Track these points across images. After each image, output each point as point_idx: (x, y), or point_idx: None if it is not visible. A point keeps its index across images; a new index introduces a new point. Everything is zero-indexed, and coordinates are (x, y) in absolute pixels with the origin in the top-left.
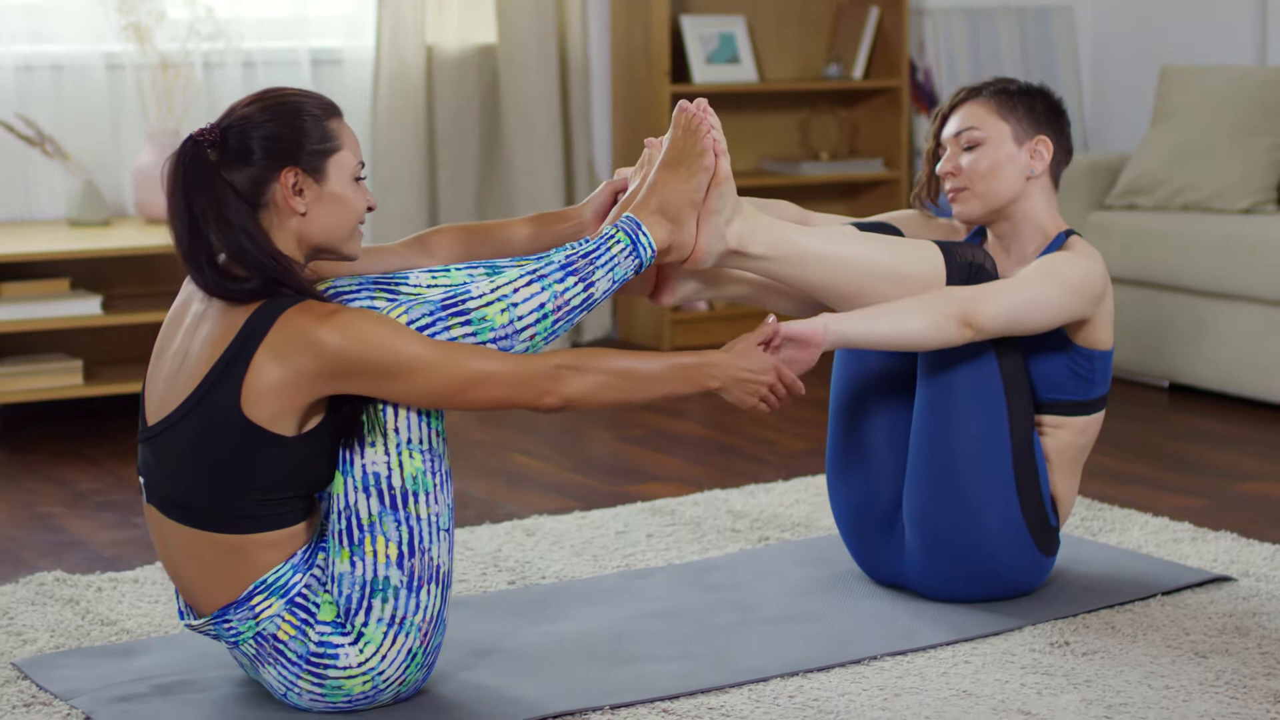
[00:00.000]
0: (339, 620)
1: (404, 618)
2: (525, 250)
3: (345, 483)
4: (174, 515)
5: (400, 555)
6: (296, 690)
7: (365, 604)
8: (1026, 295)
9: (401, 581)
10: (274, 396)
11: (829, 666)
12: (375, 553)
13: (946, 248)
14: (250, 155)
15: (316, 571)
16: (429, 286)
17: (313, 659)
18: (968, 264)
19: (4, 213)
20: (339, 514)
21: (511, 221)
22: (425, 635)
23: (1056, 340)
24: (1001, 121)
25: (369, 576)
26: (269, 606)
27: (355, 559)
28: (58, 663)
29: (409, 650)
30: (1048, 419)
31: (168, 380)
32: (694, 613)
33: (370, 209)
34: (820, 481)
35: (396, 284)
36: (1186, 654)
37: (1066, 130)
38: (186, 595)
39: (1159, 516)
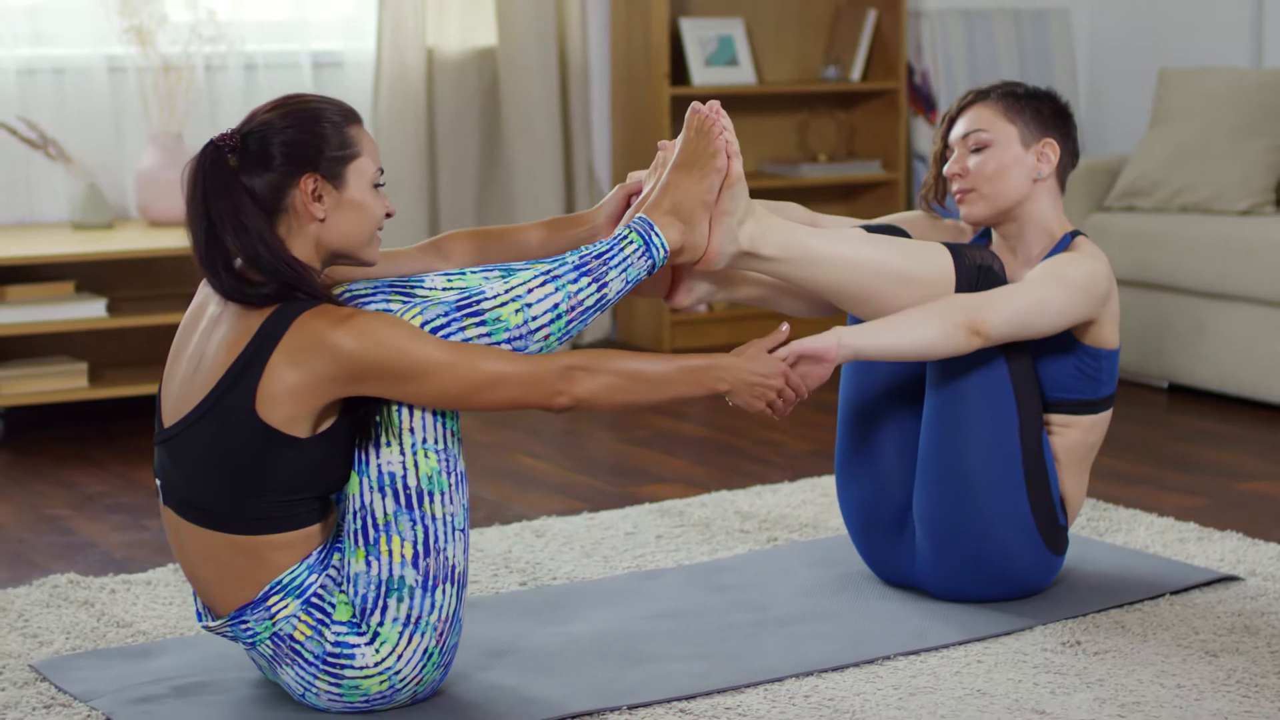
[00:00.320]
0: (355, 620)
1: (419, 617)
2: (538, 254)
3: (361, 483)
4: (190, 517)
5: (415, 555)
6: (314, 690)
7: (381, 604)
8: (1033, 300)
9: (417, 581)
10: (289, 400)
11: (843, 666)
12: (391, 552)
13: (955, 250)
14: (270, 161)
15: (332, 572)
16: (444, 289)
17: (329, 659)
18: (976, 266)
19: (7, 215)
20: (354, 514)
21: (525, 226)
22: (441, 635)
23: (1064, 341)
24: (1009, 124)
25: (384, 576)
26: (285, 607)
27: (371, 559)
28: (75, 664)
29: (425, 650)
30: (1056, 418)
31: (183, 383)
32: (706, 613)
33: (389, 215)
34: (827, 483)
35: (412, 287)
36: (1197, 653)
37: (1073, 133)
38: (203, 596)
39: (1164, 516)
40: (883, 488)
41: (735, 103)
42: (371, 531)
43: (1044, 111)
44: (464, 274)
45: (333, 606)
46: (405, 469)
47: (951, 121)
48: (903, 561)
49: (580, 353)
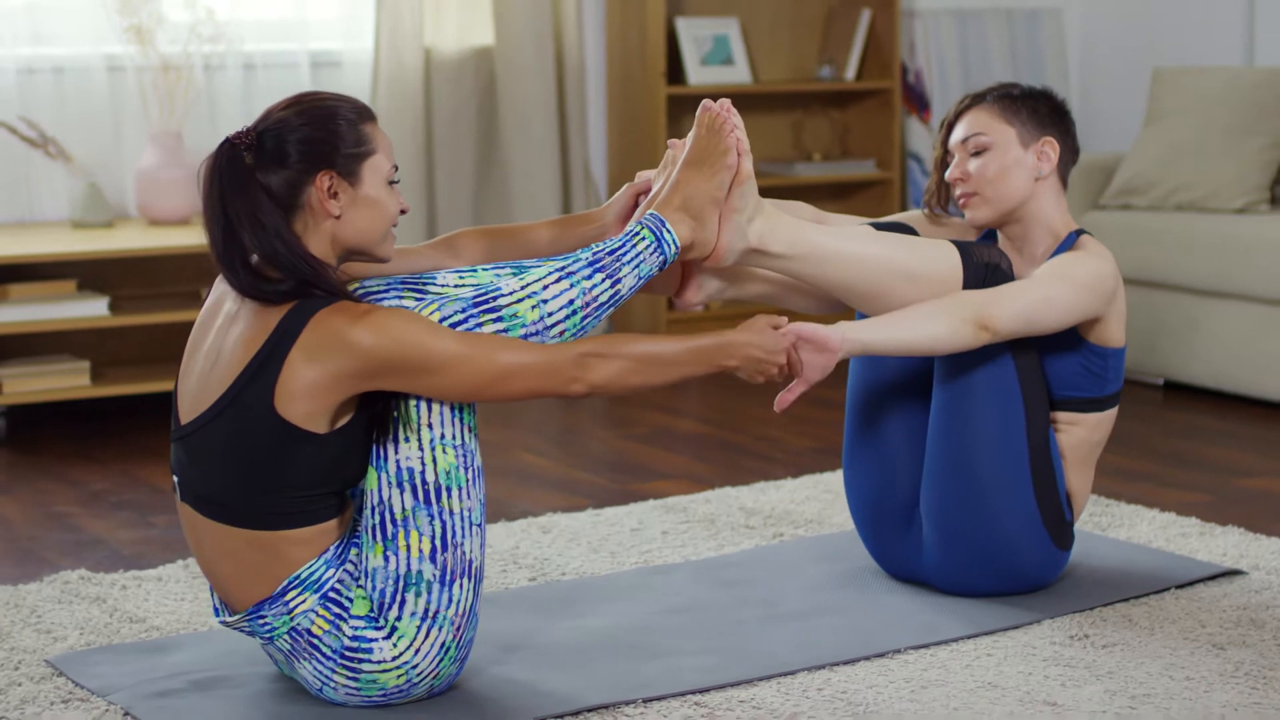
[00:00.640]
0: (372, 615)
1: (437, 611)
2: (548, 252)
3: (379, 478)
4: (208, 513)
5: (433, 550)
6: (332, 685)
7: (399, 598)
8: (1039, 296)
9: (434, 576)
10: (308, 396)
11: (854, 660)
12: (409, 547)
13: (963, 247)
14: (286, 159)
15: (349, 567)
16: (456, 286)
17: (347, 653)
18: (984, 263)
19: (7, 214)
20: (372, 509)
21: (535, 224)
22: (458, 629)
23: (1070, 339)
24: (1007, 126)
25: (402, 571)
26: (303, 602)
27: (389, 554)
28: (91, 659)
29: (442, 644)
30: (1062, 416)
31: (200, 379)
32: (716, 608)
33: (403, 211)
34: (829, 479)
35: (425, 284)
36: (1204, 646)
37: (1072, 130)
38: (221, 592)
39: (1166, 512)
40: (890, 483)
41: (730, 102)
42: (389, 527)
43: (1041, 110)
44: (475, 271)
45: (350, 601)
46: (424, 464)
47: (950, 126)
48: (910, 556)
49: (593, 339)
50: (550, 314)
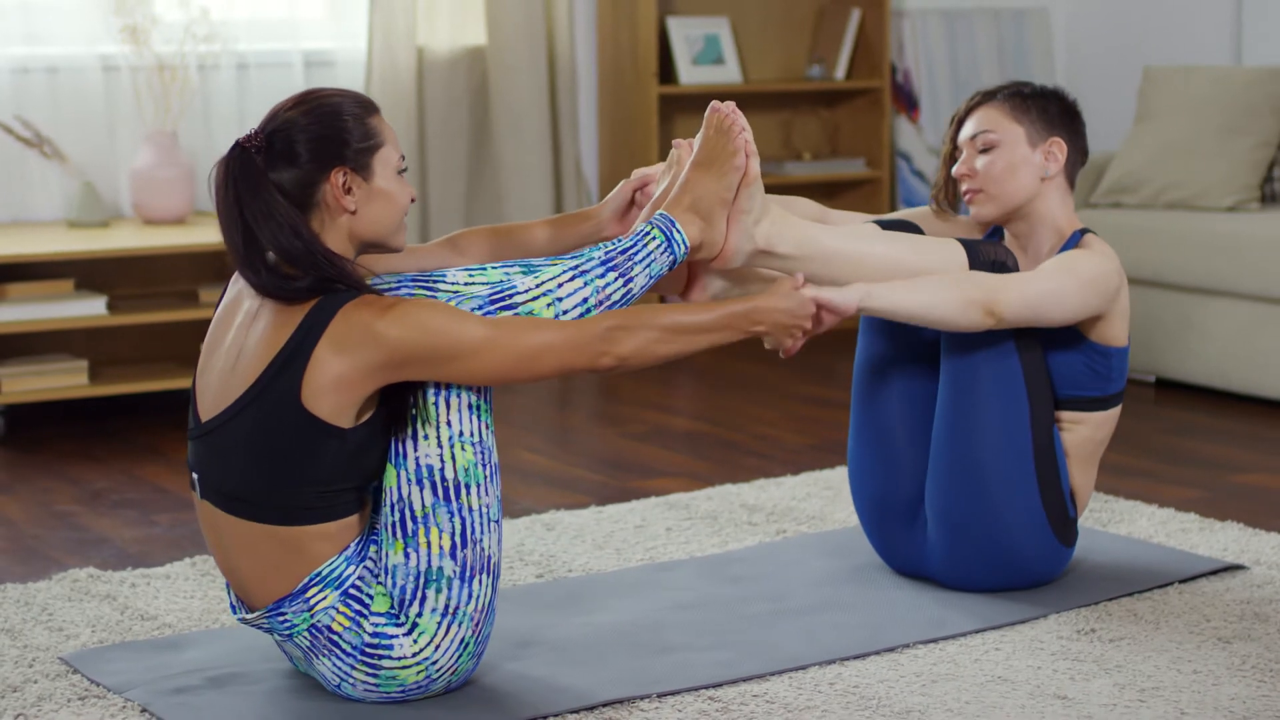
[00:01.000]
0: (393, 611)
1: (457, 607)
2: (545, 251)
3: (398, 476)
4: (229, 509)
5: (453, 546)
6: (350, 681)
7: (420, 595)
8: (1046, 288)
9: (455, 572)
10: (334, 390)
11: (865, 654)
12: (429, 544)
13: (970, 246)
14: (297, 159)
15: (369, 564)
16: (466, 284)
17: (367, 649)
18: (990, 261)
19: (2, 214)
20: (391, 507)
21: (532, 224)
22: (477, 625)
23: (1074, 338)
24: (1016, 124)
25: (423, 567)
26: (324, 599)
27: (409, 550)
28: (105, 657)
29: (462, 640)
30: (1066, 414)
31: (222, 376)
32: (724, 604)
33: (412, 200)
34: (829, 476)
35: (434, 281)
36: (1210, 640)
37: (1081, 131)
38: (241, 589)
39: (1165, 508)
40: (895, 479)
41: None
42: (410, 524)
43: (1050, 110)
44: (485, 269)
45: (371, 598)
46: (443, 461)
47: (960, 123)
48: (914, 551)
49: (619, 312)
50: (565, 312)
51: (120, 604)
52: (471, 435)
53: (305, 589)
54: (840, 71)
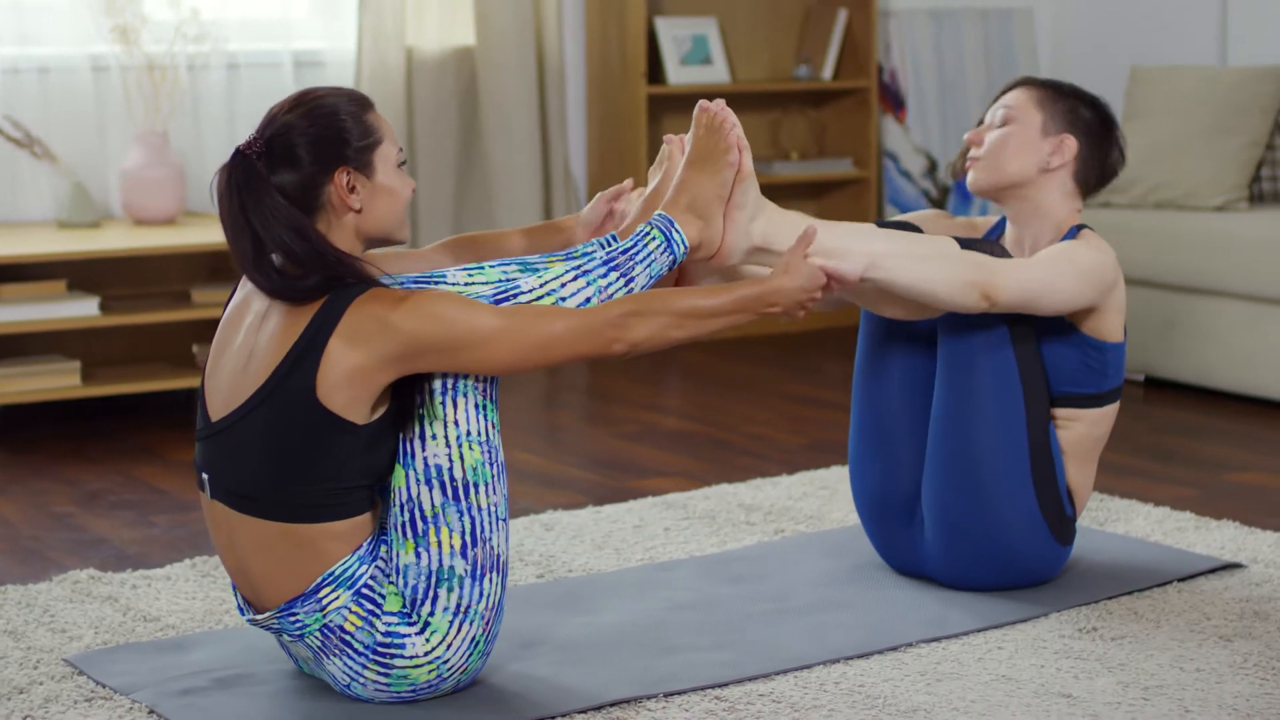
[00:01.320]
0: (405, 610)
1: (469, 606)
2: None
3: (407, 476)
4: (242, 508)
5: (464, 545)
6: (361, 680)
7: (431, 594)
8: (1042, 276)
9: (466, 571)
10: (348, 383)
11: (869, 653)
12: (440, 543)
13: (967, 246)
14: (299, 162)
15: (380, 564)
16: (466, 284)
17: (379, 649)
18: None
19: None
20: (401, 507)
21: (509, 232)
22: (487, 623)
23: (1069, 333)
24: (1037, 111)
25: (434, 567)
26: (336, 598)
27: (420, 550)
28: (110, 658)
29: (472, 638)
30: (1062, 412)
31: (232, 376)
32: (726, 603)
33: (413, 191)
34: (825, 475)
35: (436, 282)
36: (1211, 638)
37: (1106, 145)
38: (251, 589)
39: (1160, 507)
40: (895, 477)
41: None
42: (420, 523)
43: (1079, 113)
44: (482, 268)
45: (383, 598)
46: (451, 461)
47: (998, 98)
48: (913, 550)
49: (632, 298)
50: None
51: (122, 605)
52: (479, 434)
53: (318, 589)
54: (827, 71)
